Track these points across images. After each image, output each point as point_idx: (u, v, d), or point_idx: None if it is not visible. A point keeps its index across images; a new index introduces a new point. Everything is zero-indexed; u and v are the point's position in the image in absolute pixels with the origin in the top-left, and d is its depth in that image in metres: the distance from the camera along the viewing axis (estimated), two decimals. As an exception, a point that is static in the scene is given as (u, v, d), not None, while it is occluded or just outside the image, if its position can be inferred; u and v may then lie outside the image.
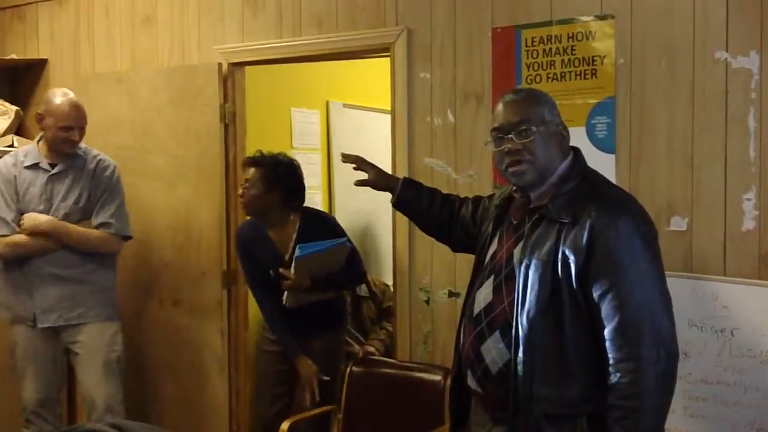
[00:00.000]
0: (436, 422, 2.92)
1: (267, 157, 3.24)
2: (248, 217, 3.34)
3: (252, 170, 3.20)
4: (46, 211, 3.16)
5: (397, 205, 2.42)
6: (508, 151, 1.92)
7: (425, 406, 2.99)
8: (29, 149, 3.26)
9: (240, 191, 3.26)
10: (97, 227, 3.20)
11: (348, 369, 3.20)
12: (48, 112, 3.14)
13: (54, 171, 3.19)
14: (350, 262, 3.25)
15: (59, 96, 3.16)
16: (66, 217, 3.17)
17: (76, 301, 3.19)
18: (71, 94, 3.19)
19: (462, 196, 2.41)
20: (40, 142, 3.24)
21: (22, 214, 3.15)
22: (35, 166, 3.19)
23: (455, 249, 2.46)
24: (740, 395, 2.40)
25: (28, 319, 3.19)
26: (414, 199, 2.37)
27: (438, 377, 3.00)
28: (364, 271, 3.42)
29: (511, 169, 1.93)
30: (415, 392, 3.05)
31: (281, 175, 3.19)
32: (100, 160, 3.29)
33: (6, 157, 3.30)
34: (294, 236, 3.21)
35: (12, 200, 3.17)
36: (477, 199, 2.35)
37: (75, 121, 3.15)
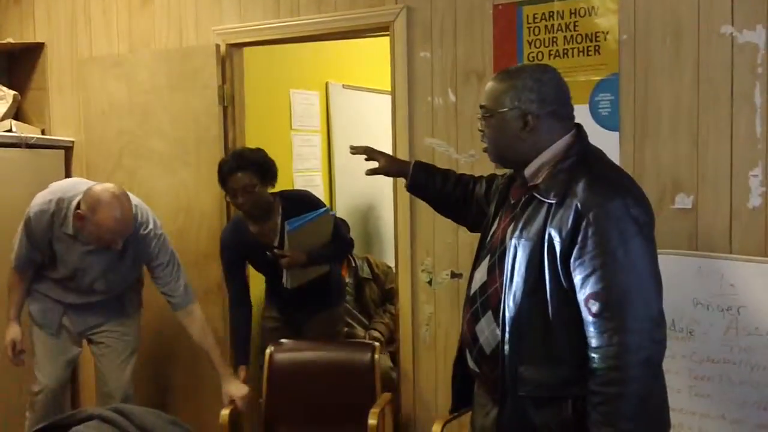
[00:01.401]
0: (368, 400, 2.88)
1: (247, 153, 3.12)
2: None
3: (240, 174, 3.03)
4: (81, 275, 3.06)
5: (410, 189, 2.39)
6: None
7: (356, 385, 2.95)
8: (67, 213, 2.92)
9: (240, 200, 3.06)
10: (172, 299, 3.13)
11: (268, 353, 3.13)
12: (91, 221, 2.83)
13: (91, 247, 2.98)
14: (337, 231, 3.28)
15: (105, 207, 2.80)
16: (109, 286, 3.13)
17: (105, 312, 3.22)
18: (118, 203, 2.82)
19: (476, 176, 2.37)
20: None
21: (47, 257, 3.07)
22: (73, 237, 2.96)
23: (472, 229, 2.40)
24: (746, 374, 2.38)
25: (51, 329, 3.18)
26: (427, 183, 2.34)
27: (366, 355, 2.96)
28: (351, 238, 3.46)
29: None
30: (344, 372, 3.00)
31: (270, 164, 3.13)
32: (143, 235, 3.03)
33: (40, 212, 2.96)
34: (279, 221, 3.18)
35: (36, 250, 3.03)
36: (491, 178, 2.31)
37: (119, 235, 2.88)
